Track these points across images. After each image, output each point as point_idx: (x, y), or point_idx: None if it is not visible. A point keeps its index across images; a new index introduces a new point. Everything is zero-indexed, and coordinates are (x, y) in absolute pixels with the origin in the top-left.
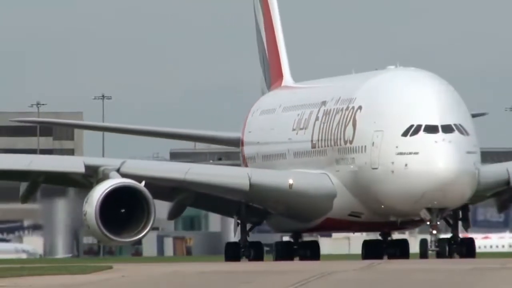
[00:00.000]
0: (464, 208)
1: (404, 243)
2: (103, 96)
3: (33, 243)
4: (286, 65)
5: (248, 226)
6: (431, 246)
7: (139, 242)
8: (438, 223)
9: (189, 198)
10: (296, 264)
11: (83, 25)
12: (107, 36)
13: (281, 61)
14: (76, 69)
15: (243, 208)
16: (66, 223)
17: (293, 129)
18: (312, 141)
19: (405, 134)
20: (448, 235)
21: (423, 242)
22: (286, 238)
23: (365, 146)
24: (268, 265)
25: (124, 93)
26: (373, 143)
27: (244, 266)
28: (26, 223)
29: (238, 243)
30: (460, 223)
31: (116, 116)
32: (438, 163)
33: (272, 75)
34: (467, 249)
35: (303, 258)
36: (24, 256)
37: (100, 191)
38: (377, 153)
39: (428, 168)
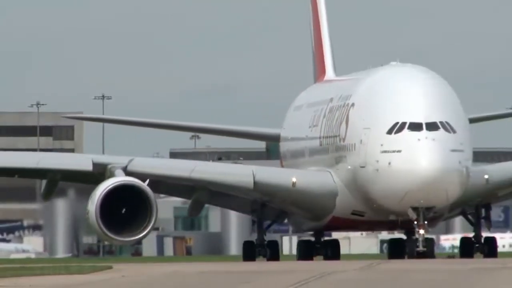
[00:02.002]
0: (487, 207)
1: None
2: (103, 96)
3: (33, 243)
4: (329, 60)
5: (266, 224)
6: (418, 246)
7: (139, 242)
8: (426, 222)
9: (205, 196)
10: (297, 264)
11: (83, 25)
12: (107, 36)
13: (325, 55)
14: (76, 69)
15: (258, 206)
16: (66, 223)
17: (309, 127)
18: (320, 138)
19: (389, 131)
20: (471, 235)
21: (412, 242)
22: (286, 238)
23: (355, 144)
24: (270, 265)
25: (124, 93)
26: (361, 141)
27: (245, 266)
28: (26, 223)
29: (254, 242)
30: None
31: (116, 116)
32: (421, 161)
33: (317, 70)
34: (489, 248)
35: (325, 257)
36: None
37: (101, 189)
38: (365, 151)
39: (410, 166)
